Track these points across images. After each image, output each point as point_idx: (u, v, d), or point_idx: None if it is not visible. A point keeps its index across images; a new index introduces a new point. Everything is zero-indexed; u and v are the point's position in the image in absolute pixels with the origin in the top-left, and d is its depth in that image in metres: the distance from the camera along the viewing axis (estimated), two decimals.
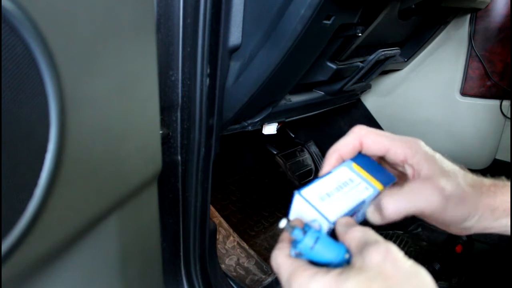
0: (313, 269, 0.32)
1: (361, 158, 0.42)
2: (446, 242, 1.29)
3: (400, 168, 0.42)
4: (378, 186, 0.41)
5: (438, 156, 0.39)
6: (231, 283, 0.99)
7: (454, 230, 0.40)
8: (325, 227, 0.37)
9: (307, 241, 0.34)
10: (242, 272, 1.08)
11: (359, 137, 0.41)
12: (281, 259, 0.35)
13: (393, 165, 0.43)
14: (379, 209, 0.38)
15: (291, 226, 0.35)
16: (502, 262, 1.22)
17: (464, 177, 0.38)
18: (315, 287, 0.30)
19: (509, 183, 0.39)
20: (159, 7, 0.60)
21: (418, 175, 0.38)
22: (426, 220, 0.40)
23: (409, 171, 0.40)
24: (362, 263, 0.31)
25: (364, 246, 0.32)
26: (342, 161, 0.42)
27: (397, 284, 0.29)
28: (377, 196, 0.40)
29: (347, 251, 0.34)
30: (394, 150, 0.40)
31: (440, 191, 0.36)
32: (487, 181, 0.39)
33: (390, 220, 0.38)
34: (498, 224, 0.38)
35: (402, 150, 0.39)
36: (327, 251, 0.34)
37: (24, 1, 0.29)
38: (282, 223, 0.36)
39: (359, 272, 0.30)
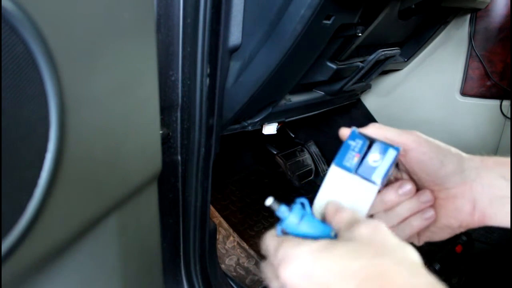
0: (299, 239, 0.32)
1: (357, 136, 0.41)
2: (446, 242, 1.29)
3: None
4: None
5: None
6: (231, 283, 0.99)
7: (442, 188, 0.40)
8: (371, 194, 0.37)
9: (292, 218, 0.34)
10: (242, 272, 1.08)
11: (412, 143, 0.41)
12: (268, 239, 0.35)
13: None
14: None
15: (277, 203, 0.35)
16: (502, 262, 1.22)
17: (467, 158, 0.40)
18: (301, 252, 0.30)
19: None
20: (159, 7, 0.60)
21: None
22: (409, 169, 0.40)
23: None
24: (350, 236, 0.30)
25: (353, 223, 0.32)
26: None
27: (384, 253, 0.28)
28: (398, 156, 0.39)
29: (333, 230, 0.34)
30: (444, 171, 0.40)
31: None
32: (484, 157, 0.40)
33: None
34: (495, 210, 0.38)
35: (406, 140, 0.40)
36: (313, 229, 0.34)
37: (24, 1, 0.29)
38: (268, 201, 0.35)
39: (347, 242, 0.30)
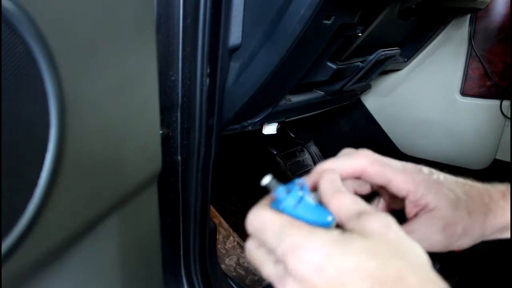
0: (310, 227, 0.29)
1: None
2: None
3: (399, 202, 0.41)
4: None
5: (441, 179, 0.38)
6: (231, 283, 0.99)
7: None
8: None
9: (290, 200, 0.32)
10: (242, 272, 1.08)
11: (361, 166, 0.39)
12: (267, 213, 0.31)
13: (392, 196, 0.41)
14: None
15: (275, 183, 0.33)
16: (502, 262, 1.22)
17: (472, 201, 0.37)
18: (314, 243, 0.27)
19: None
20: (159, 7, 0.60)
21: (425, 207, 0.37)
22: None
23: (408, 207, 0.38)
24: (362, 229, 0.29)
25: (361, 213, 0.30)
26: None
27: (400, 254, 0.27)
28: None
29: (330, 215, 0.32)
30: (396, 184, 0.38)
31: (444, 228, 0.36)
32: (495, 196, 0.38)
33: None
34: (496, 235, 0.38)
35: (405, 185, 0.38)
36: (310, 213, 0.31)
37: (24, 1, 0.29)
38: (266, 180, 0.33)
39: (362, 237, 0.28)
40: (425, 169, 0.39)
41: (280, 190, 0.32)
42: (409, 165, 0.39)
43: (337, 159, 0.40)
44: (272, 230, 0.30)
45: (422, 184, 0.37)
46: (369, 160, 0.39)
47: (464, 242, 0.37)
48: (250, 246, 0.33)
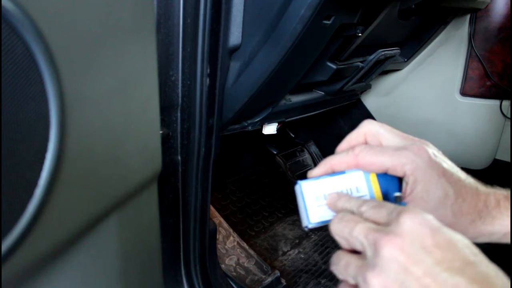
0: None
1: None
2: None
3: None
4: None
5: (444, 167, 0.37)
6: (231, 283, 0.99)
7: None
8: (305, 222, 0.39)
9: None
10: (242, 272, 1.08)
11: (356, 156, 0.38)
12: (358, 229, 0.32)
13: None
14: None
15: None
16: (502, 262, 1.22)
17: (462, 202, 0.36)
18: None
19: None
20: (159, 7, 0.60)
21: (414, 194, 0.37)
22: None
23: (404, 187, 0.38)
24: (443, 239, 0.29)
25: (437, 228, 0.30)
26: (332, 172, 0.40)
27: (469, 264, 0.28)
28: None
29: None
30: (393, 169, 0.37)
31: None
32: (491, 200, 0.37)
33: None
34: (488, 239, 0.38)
35: (401, 169, 0.37)
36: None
37: (24, 1, 0.29)
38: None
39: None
40: (430, 150, 0.37)
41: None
42: (412, 144, 0.37)
43: (334, 157, 0.40)
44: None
45: (418, 170, 0.36)
46: (362, 150, 0.38)
47: None
48: (345, 259, 0.33)
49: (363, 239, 0.31)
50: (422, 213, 0.30)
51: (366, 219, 0.33)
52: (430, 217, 0.30)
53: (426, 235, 0.28)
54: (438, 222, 0.29)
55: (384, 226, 0.31)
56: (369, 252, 0.30)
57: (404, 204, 0.35)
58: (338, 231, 0.33)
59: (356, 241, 0.32)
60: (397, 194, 0.36)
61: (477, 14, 1.17)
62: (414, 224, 0.29)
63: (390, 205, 0.32)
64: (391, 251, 0.28)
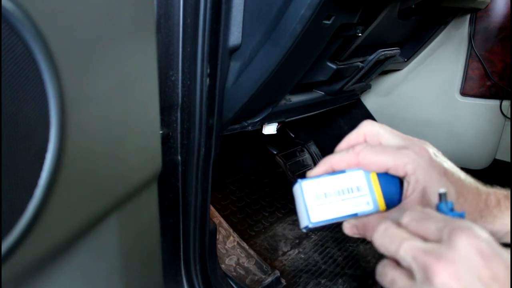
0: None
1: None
2: None
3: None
4: (381, 205, 0.38)
5: (445, 167, 0.36)
6: (231, 283, 0.99)
7: None
8: (304, 224, 0.38)
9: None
10: (242, 272, 1.08)
11: (356, 155, 0.38)
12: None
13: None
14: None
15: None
16: None
17: (463, 202, 0.36)
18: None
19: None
20: (159, 7, 0.60)
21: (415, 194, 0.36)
22: None
23: (405, 186, 0.37)
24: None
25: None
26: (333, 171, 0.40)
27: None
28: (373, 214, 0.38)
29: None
30: (394, 169, 0.37)
31: None
32: (491, 200, 0.37)
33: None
34: None
35: (402, 168, 0.36)
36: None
37: (24, 1, 0.29)
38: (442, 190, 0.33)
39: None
40: (430, 150, 0.37)
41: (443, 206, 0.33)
42: (413, 145, 0.37)
43: (334, 156, 0.40)
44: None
45: (420, 169, 0.36)
46: (363, 149, 0.38)
47: None
48: (391, 271, 0.31)
49: (411, 261, 0.28)
50: (478, 232, 0.27)
51: (413, 234, 0.30)
52: (485, 236, 0.27)
53: (483, 265, 0.26)
54: (494, 242, 0.27)
55: (434, 244, 0.28)
56: (418, 276, 0.28)
57: (453, 215, 0.31)
58: (382, 247, 0.31)
59: (403, 260, 0.29)
60: (442, 190, 0.33)
61: (477, 14, 1.17)
62: (471, 247, 0.26)
63: (438, 217, 0.30)
64: (446, 280, 0.26)
